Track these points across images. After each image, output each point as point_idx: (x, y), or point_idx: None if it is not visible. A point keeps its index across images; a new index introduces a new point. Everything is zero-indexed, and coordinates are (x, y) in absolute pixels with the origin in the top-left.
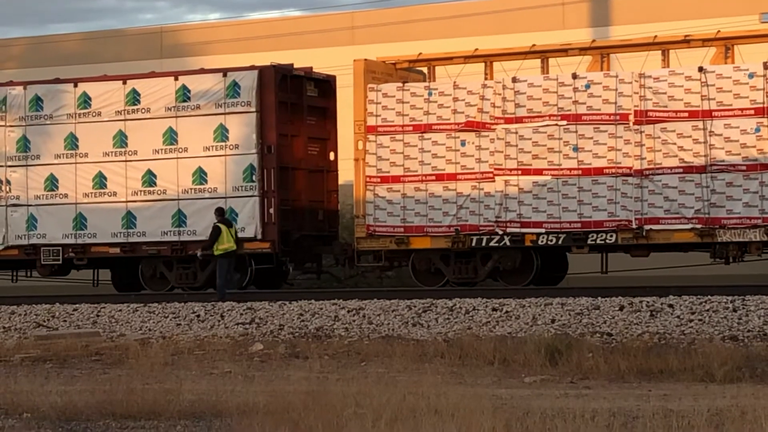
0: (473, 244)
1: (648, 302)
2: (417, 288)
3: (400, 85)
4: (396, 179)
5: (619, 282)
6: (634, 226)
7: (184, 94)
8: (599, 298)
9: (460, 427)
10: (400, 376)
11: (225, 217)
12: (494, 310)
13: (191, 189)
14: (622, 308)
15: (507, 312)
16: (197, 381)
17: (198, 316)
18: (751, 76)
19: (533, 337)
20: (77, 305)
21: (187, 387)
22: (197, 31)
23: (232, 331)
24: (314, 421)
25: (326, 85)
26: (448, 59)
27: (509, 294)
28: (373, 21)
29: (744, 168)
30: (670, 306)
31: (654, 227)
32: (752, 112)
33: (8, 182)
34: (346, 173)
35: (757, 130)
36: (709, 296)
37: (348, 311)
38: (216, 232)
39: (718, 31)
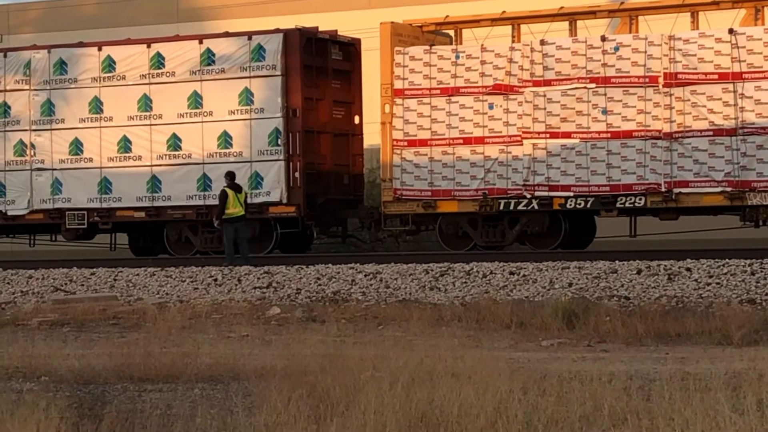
0: (501, 207)
1: (665, 266)
2: (434, 252)
3: (428, 48)
4: (423, 143)
5: (644, 246)
6: (663, 190)
7: (208, 57)
8: (617, 261)
9: (477, 389)
10: (417, 339)
11: (234, 181)
12: (511, 273)
13: (216, 153)
14: (639, 272)
15: (524, 276)
16: (214, 344)
17: (215, 280)
18: None
19: (550, 300)
20: (94, 269)
21: (205, 350)
22: None
23: (250, 295)
24: (331, 384)
25: (351, 48)
26: (475, 22)
27: (526, 258)
28: None
29: None
30: (688, 269)
31: (683, 190)
32: None
33: (33, 146)
34: (370, 137)
35: None
36: (727, 260)
37: (365, 275)
38: (223, 197)
39: None
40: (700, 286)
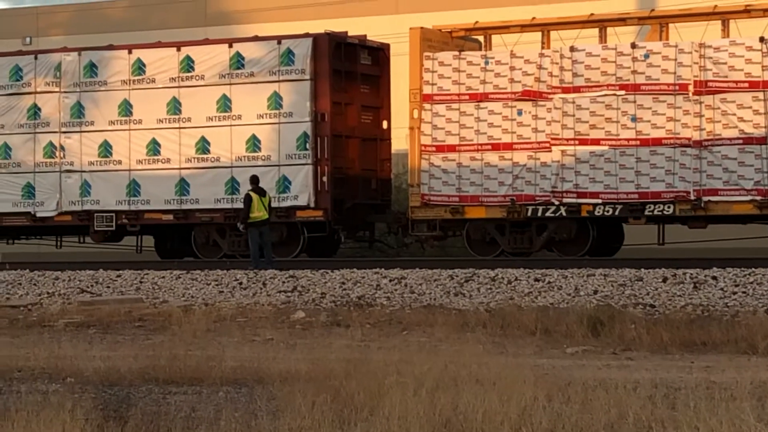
0: (529, 214)
1: (691, 274)
2: (459, 257)
3: (457, 53)
4: (451, 148)
5: (670, 254)
6: (692, 198)
7: (238, 61)
8: (642, 269)
9: (501, 396)
10: (441, 345)
11: (259, 185)
12: (536, 280)
13: (245, 156)
14: (665, 280)
15: (549, 282)
16: (239, 348)
17: (240, 283)
18: None
19: (575, 307)
20: (120, 271)
21: (230, 353)
22: (239, 0)
23: (275, 299)
24: (355, 389)
25: (380, 53)
26: (504, 28)
27: (551, 264)
28: None
29: None
30: (714, 278)
31: (712, 199)
32: None
33: (62, 148)
34: (397, 142)
35: None
36: (753, 269)
37: (390, 280)
38: (247, 201)
39: None
40: (726, 294)
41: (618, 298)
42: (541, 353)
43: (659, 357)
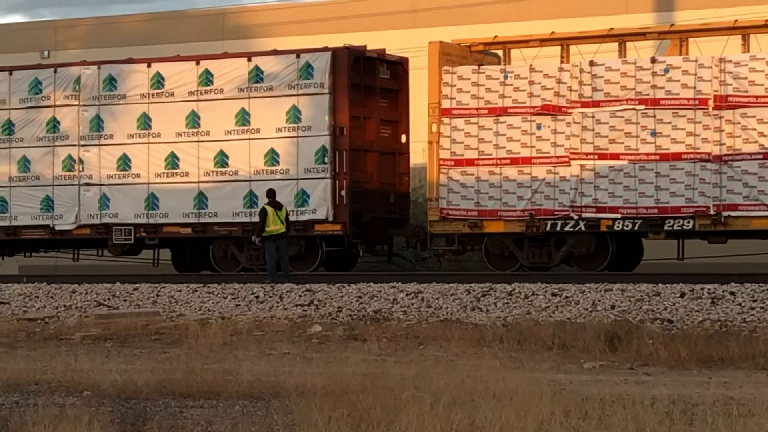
0: (548, 228)
1: (709, 289)
2: (476, 272)
3: (476, 67)
4: (470, 162)
5: (689, 269)
6: (712, 213)
7: (257, 75)
8: (660, 284)
9: (518, 411)
10: (458, 359)
11: (275, 198)
12: (554, 295)
13: (263, 170)
14: (683, 295)
15: (566, 297)
16: (256, 362)
17: (257, 297)
18: None
19: (593, 322)
20: (137, 285)
21: (246, 367)
22: (258, 13)
23: (291, 313)
24: (372, 404)
25: (398, 67)
26: (524, 42)
27: (569, 279)
28: (435, 4)
29: None
30: (732, 293)
31: (732, 214)
32: None
33: (81, 161)
34: (415, 156)
35: None
36: None
37: (406, 294)
38: (263, 215)
39: None
40: (744, 310)
41: (635, 313)
42: (558, 368)
43: (677, 372)
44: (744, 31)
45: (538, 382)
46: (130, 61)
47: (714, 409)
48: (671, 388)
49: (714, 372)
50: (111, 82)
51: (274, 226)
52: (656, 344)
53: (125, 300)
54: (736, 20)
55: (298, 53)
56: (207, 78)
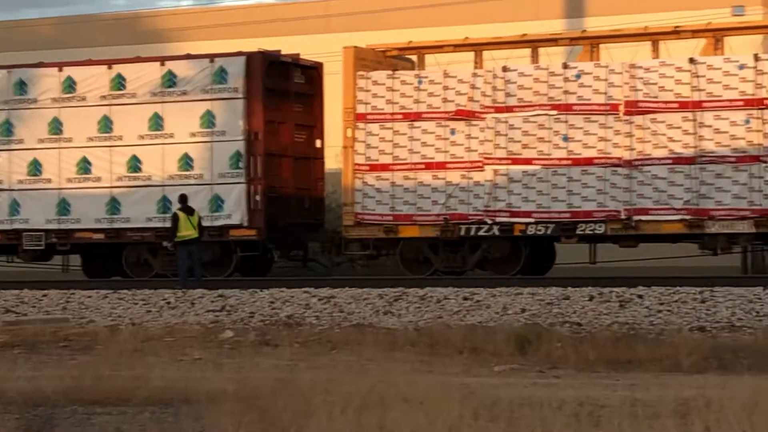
0: (462, 233)
1: (618, 293)
2: (389, 276)
3: (390, 72)
4: (385, 167)
5: (602, 272)
6: (623, 217)
7: (170, 79)
8: (569, 288)
9: (428, 414)
10: (370, 364)
11: (187, 204)
12: (465, 299)
13: (177, 175)
14: (591, 298)
15: (478, 301)
16: (166, 368)
17: (168, 303)
18: (741, 67)
19: (503, 326)
20: (46, 291)
21: (156, 374)
22: (171, 18)
23: (203, 318)
24: (283, 408)
25: (313, 72)
26: (438, 47)
27: (480, 283)
28: (349, 9)
29: (733, 160)
30: (640, 297)
31: (643, 218)
32: (742, 103)
33: None
34: (330, 161)
35: (747, 122)
36: (678, 287)
37: (319, 299)
38: (174, 220)
39: (709, 23)
40: (651, 313)
41: (545, 316)
42: (468, 372)
43: (585, 375)
44: (654, 37)
45: (448, 386)
46: (41, 65)
47: (621, 410)
48: (579, 391)
49: (621, 374)
50: (21, 86)
51: (186, 231)
52: (565, 347)
53: (34, 306)
54: (646, 27)
55: (212, 57)
56: (119, 82)
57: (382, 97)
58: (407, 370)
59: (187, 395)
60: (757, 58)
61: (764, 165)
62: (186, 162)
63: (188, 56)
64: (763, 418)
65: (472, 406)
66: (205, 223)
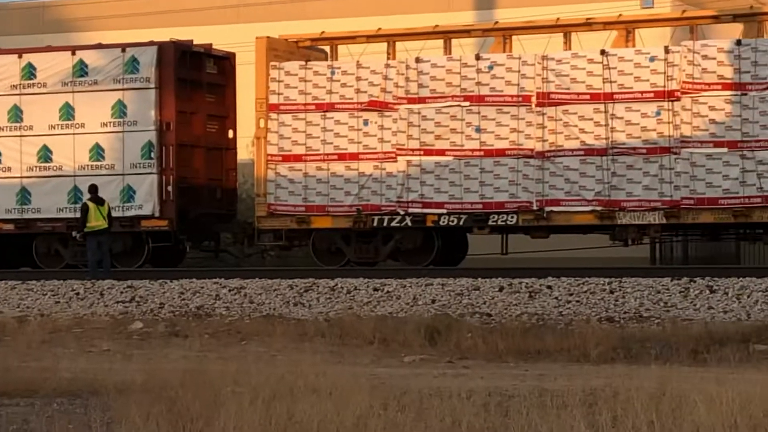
0: (374, 224)
1: (527, 283)
2: (299, 267)
3: (303, 63)
4: (298, 158)
5: (509, 264)
6: (534, 208)
7: (81, 69)
8: (479, 279)
9: (337, 405)
10: (279, 355)
11: (97, 194)
12: (375, 290)
13: (88, 165)
14: (501, 289)
15: (388, 292)
16: (75, 359)
17: (77, 294)
18: (651, 59)
19: (413, 317)
20: None
21: (65, 365)
22: (80, 7)
23: (112, 310)
24: (191, 399)
25: (225, 62)
26: (350, 38)
27: (391, 274)
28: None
29: (644, 151)
30: (549, 287)
31: (554, 209)
32: (652, 95)
33: None
34: (243, 151)
35: (658, 113)
36: (586, 278)
37: (229, 290)
38: (84, 210)
39: (620, 15)
40: (560, 303)
41: (455, 307)
42: (378, 362)
43: (494, 365)
44: (566, 29)
45: (358, 376)
46: None
47: (529, 400)
48: (488, 381)
49: (530, 364)
50: None
51: (96, 222)
52: (475, 338)
53: None
54: (558, 18)
55: (123, 47)
56: (30, 71)
57: (295, 87)
58: (317, 361)
59: (95, 387)
60: (667, 50)
61: (675, 156)
62: (97, 152)
63: (99, 46)
64: (669, 407)
65: (382, 396)
66: (116, 214)
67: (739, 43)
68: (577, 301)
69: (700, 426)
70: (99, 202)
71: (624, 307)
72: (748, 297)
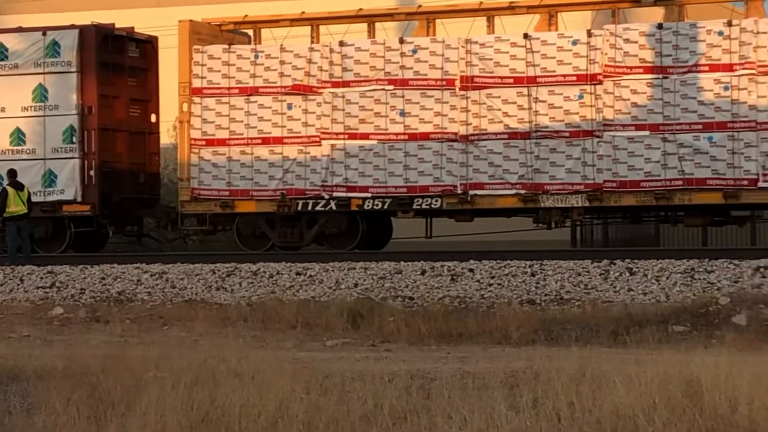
0: (299, 208)
1: (449, 266)
2: (221, 252)
3: (227, 47)
4: (221, 142)
5: (432, 247)
6: (459, 192)
7: (1, 52)
8: (402, 262)
9: (259, 389)
10: (201, 339)
11: (16, 179)
12: (298, 274)
13: (9, 150)
14: (423, 272)
15: (311, 276)
16: None
17: None
18: (574, 43)
19: (336, 301)
20: None
21: None
22: None
23: (32, 295)
24: (113, 385)
25: (148, 46)
26: (274, 22)
27: (313, 258)
28: None
29: (567, 134)
30: (471, 270)
31: (478, 192)
32: (575, 79)
33: None
34: (166, 136)
35: (581, 96)
36: (508, 261)
37: (151, 275)
38: (3, 196)
39: None
40: (482, 286)
41: (378, 291)
42: (301, 346)
43: (417, 348)
44: (489, 12)
45: (280, 360)
46: None
47: (451, 383)
48: (411, 364)
49: (452, 347)
50: None
51: (16, 207)
52: (397, 321)
53: None
54: (481, 2)
55: (44, 31)
56: None
57: (218, 71)
58: (239, 345)
59: (15, 372)
60: (590, 33)
61: (597, 140)
62: (18, 137)
63: (20, 29)
64: (589, 388)
65: (304, 380)
66: (37, 199)
67: (660, 26)
68: (499, 284)
69: (620, 406)
70: (18, 187)
71: (545, 289)
72: (667, 279)
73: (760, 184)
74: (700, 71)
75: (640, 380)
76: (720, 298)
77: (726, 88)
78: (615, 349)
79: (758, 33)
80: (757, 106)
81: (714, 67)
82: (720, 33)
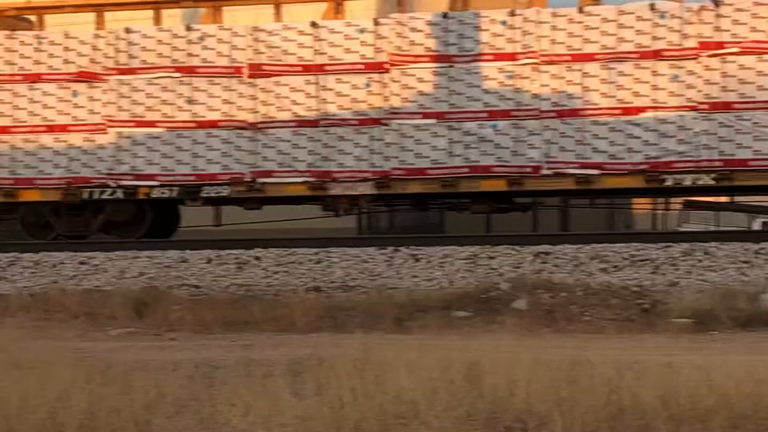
0: (85, 196)
1: (235, 255)
2: (2, 242)
3: (9, 33)
4: (4, 130)
5: (218, 235)
6: (247, 179)
7: None
8: (188, 251)
9: (40, 380)
10: None
11: None
12: (82, 263)
13: None
14: (209, 261)
15: (95, 265)
16: None
17: None
18: (361, 31)
19: (121, 290)
20: None
21: None
22: None
23: None
24: None
25: None
26: (58, 8)
27: (98, 248)
28: None
29: (355, 122)
30: (257, 258)
31: (267, 180)
32: (362, 67)
33: None
34: None
35: (368, 85)
36: (294, 249)
37: None
38: None
39: None
40: (268, 274)
41: (164, 279)
42: (84, 336)
43: (202, 337)
44: (276, 1)
45: (62, 351)
46: None
47: (236, 370)
48: (195, 352)
49: (238, 335)
50: None
51: None
52: (183, 310)
53: None
54: None
55: None
56: None
57: (1, 57)
58: (20, 336)
59: None
60: (376, 22)
61: (384, 128)
62: None
63: None
64: (372, 373)
65: (86, 370)
66: None
67: (446, 15)
68: (285, 272)
69: (402, 391)
70: None
71: (331, 276)
72: (451, 265)
73: (543, 172)
74: (484, 60)
75: (422, 365)
76: (501, 283)
77: (510, 77)
78: (399, 335)
79: (540, 23)
80: (540, 95)
81: (498, 56)
82: (503, 22)
